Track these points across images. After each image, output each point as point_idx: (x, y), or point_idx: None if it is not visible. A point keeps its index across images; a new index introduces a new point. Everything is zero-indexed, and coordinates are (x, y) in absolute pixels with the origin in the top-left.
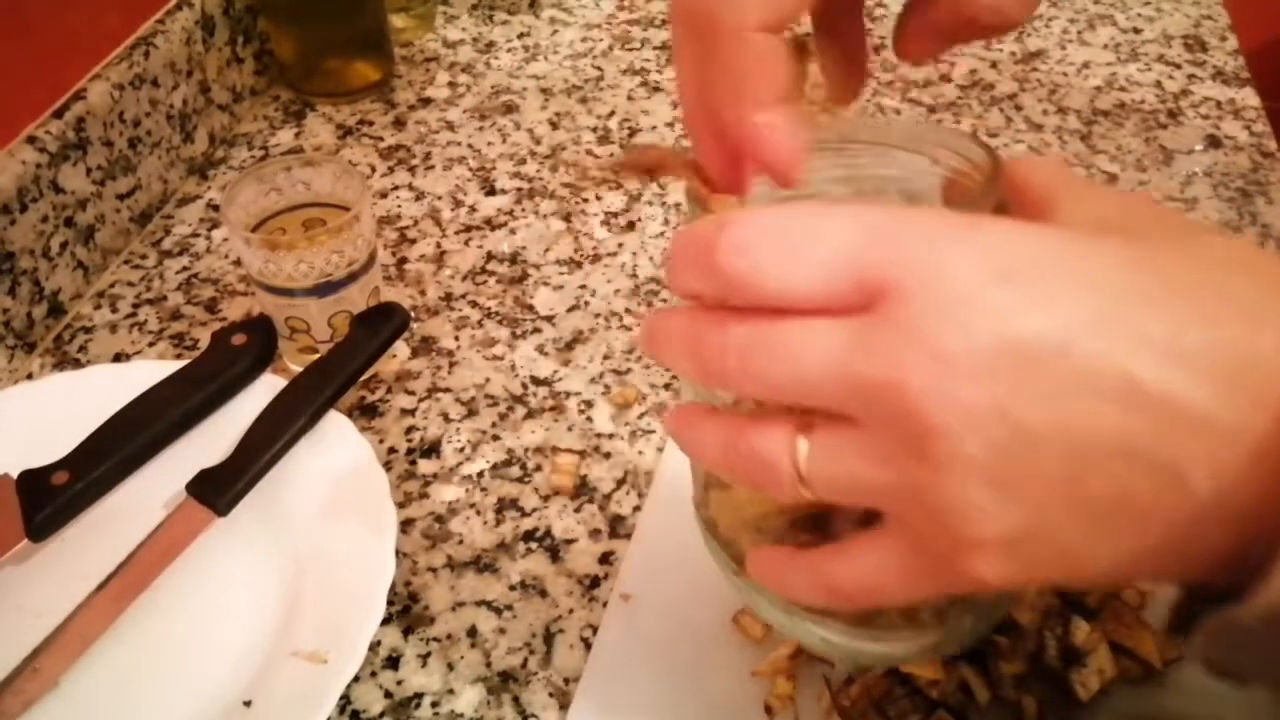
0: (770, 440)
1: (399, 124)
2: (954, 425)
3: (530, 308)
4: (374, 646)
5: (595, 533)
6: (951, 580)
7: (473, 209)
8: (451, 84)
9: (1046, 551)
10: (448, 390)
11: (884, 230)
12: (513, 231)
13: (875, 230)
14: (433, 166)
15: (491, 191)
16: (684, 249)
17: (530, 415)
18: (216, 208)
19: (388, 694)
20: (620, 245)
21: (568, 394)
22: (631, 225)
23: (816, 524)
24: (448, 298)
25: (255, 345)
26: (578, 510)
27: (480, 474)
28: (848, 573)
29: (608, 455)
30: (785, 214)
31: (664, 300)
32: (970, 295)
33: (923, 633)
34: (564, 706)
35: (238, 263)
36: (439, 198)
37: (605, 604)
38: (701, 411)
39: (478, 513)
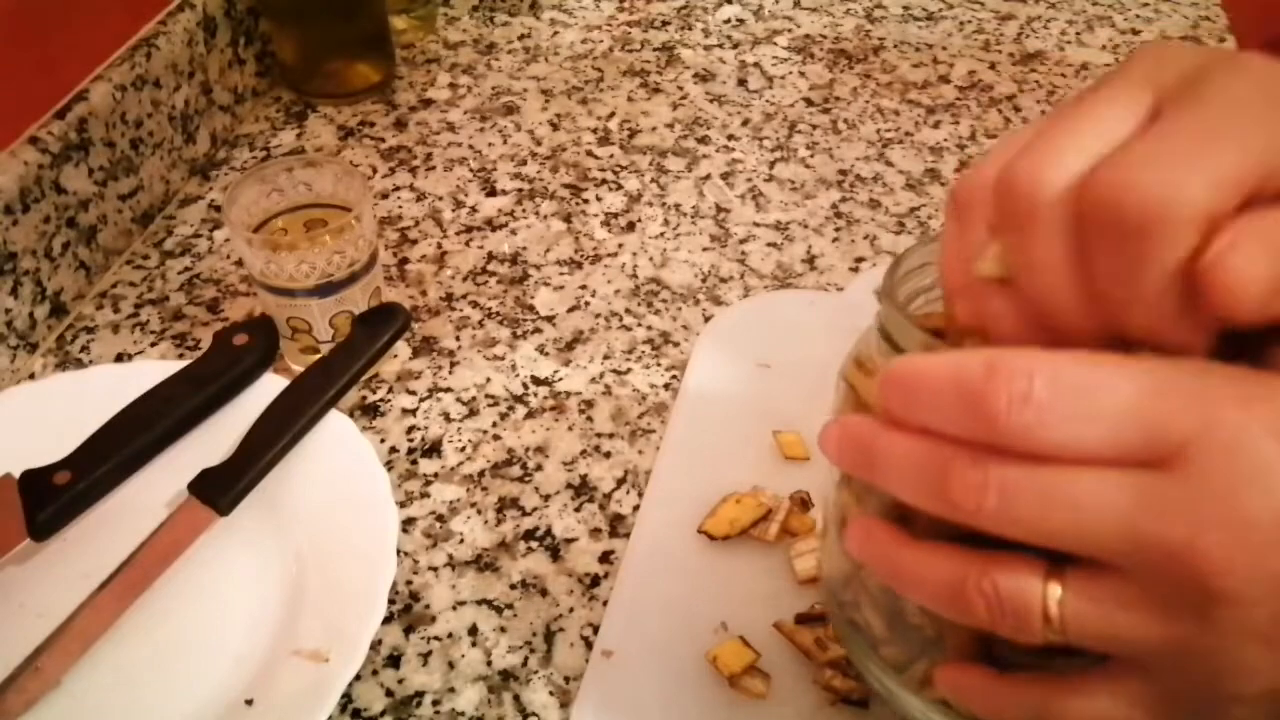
0: (1020, 581)
1: (400, 125)
2: (1247, 594)
3: (531, 308)
4: (375, 645)
5: (595, 532)
6: None
7: (473, 210)
8: (452, 85)
9: None
10: (449, 390)
11: (1180, 387)
12: (513, 232)
13: (1171, 387)
14: (434, 167)
15: (492, 192)
16: (937, 388)
17: (531, 415)
18: (218, 208)
19: (389, 692)
20: (620, 246)
21: (568, 394)
22: (631, 226)
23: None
24: (449, 298)
25: (257, 345)
26: (578, 509)
27: (481, 473)
28: (1080, 711)
29: (608, 455)
30: (1072, 364)
31: (664, 301)
32: (1277, 463)
33: None
34: (565, 705)
35: (239, 263)
36: (440, 198)
37: (601, 613)
38: (904, 539)
39: (478, 512)
